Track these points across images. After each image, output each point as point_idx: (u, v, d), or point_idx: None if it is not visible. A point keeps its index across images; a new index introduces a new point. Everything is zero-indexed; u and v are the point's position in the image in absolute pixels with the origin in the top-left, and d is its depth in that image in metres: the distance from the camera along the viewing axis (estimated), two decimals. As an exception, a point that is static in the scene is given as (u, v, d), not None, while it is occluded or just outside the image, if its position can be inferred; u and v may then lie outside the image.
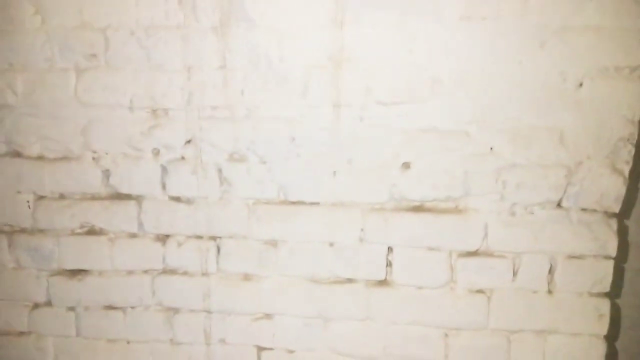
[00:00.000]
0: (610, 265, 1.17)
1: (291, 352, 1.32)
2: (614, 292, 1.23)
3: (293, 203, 1.26)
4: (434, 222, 1.22)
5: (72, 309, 1.37)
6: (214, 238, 1.30)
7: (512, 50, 1.12)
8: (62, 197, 1.32)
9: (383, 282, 1.27)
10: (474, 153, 1.18)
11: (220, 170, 1.27)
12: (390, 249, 1.25)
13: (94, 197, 1.31)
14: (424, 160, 1.20)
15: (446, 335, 1.25)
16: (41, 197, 1.33)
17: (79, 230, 1.33)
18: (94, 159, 1.30)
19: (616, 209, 1.15)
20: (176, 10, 1.20)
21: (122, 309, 1.35)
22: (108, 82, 1.25)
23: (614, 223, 1.16)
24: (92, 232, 1.33)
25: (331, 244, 1.26)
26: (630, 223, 1.49)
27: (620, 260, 1.26)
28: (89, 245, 1.33)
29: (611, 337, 1.30)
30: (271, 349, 1.33)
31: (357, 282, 1.27)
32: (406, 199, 1.22)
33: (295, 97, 1.21)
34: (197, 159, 1.27)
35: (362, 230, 1.25)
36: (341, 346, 1.30)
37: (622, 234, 1.23)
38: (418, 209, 1.23)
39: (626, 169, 1.14)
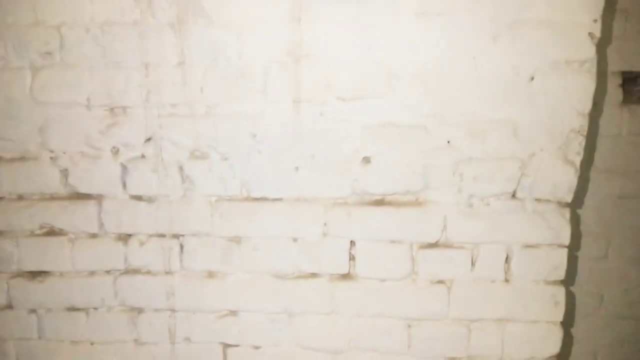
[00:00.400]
0: (564, 253, 1.21)
1: (257, 348, 1.32)
2: (568, 280, 1.26)
3: (256, 199, 1.27)
4: (395, 215, 1.24)
5: (33, 311, 1.34)
6: (176, 236, 1.29)
7: (466, 45, 1.15)
8: (20, 197, 1.30)
9: (347, 276, 1.28)
10: (432, 147, 1.20)
11: (181, 168, 1.26)
12: (352, 243, 1.26)
13: (53, 198, 1.29)
14: (383, 154, 1.21)
15: (409, 325, 1.27)
16: (-2, 199, 1.30)
17: (38, 231, 1.31)
18: (51, 158, 1.27)
19: (569, 199, 1.19)
20: (132, 7, 1.19)
21: (85, 310, 1.33)
22: (64, 80, 1.23)
23: (566, 212, 1.19)
24: (51, 232, 1.31)
25: (295, 239, 1.27)
26: (586, 213, 1.55)
27: (573, 248, 1.30)
28: (49, 246, 1.31)
29: (567, 324, 1.34)
30: (237, 345, 1.33)
31: (321, 276, 1.28)
32: (368, 193, 1.24)
33: (255, 93, 1.21)
34: (157, 157, 1.26)
35: (325, 224, 1.26)
36: (307, 340, 1.31)
37: (575, 223, 1.26)
38: (379, 202, 1.24)
39: (577, 160, 1.17)
